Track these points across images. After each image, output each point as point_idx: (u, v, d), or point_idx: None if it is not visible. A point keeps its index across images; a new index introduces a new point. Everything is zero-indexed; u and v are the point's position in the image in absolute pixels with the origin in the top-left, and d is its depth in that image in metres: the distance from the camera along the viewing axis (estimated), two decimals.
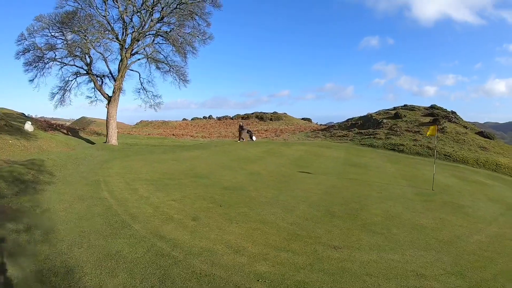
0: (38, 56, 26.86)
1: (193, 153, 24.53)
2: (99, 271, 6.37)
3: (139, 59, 29.69)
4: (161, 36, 29.42)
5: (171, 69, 30.45)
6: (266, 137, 43.34)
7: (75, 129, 35.89)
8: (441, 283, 6.78)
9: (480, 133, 35.33)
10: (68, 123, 60.60)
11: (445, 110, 41.44)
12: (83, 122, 59.92)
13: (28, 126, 23.56)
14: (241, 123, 38.17)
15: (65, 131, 31.87)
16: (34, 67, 26.97)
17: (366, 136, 37.98)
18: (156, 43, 29.93)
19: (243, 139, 35.08)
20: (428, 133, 17.51)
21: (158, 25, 29.06)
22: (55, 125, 33.29)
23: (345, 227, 9.86)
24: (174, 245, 7.78)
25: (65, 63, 28.14)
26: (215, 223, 9.57)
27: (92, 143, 27.56)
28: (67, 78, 28.83)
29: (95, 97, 29.70)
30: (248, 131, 37.09)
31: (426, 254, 8.25)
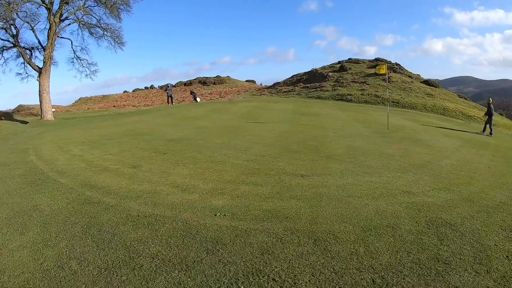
0: None
1: (135, 118, 22.43)
2: (5, 229, 4.81)
3: (69, 24, 26.56)
4: None
5: (105, 33, 27.63)
6: (211, 99, 41.42)
7: (9, 114, 31.91)
8: (433, 197, 5.95)
9: (425, 82, 35.91)
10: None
11: (389, 62, 41.62)
12: (21, 111, 54.70)
13: None
14: (167, 86, 35.49)
15: None
16: None
17: (313, 90, 37.27)
18: (87, 7, 26.63)
19: (173, 103, 33.06)
20: (380, 71, 16.83)
21: None
22: None
23: (308, 159, 8.66)
24: (106, 192, 6.23)
25: None
26: (158, 168, 7.97)
27: (28, 122, 24.47)
28: None
29: (26, 72, 26.53)
30: (192, 92, 35.26)
31: (404, 175, 7.38)
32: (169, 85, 35.61)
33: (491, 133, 18.52)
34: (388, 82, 32.22)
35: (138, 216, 5.05)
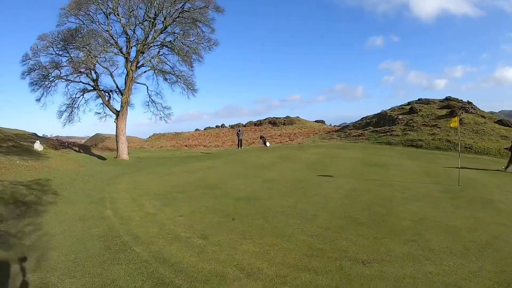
0: (43, 74, 26.53)
1: (205, 163, 23.90)
2: None
3: (145, 71, 29.31)
4: (166, 46, 28.93)
5: (179, 79, 29.93)
6: (280, 142, 42.38)
7: (87, 146, 35.49)
8: None
9: (499, 122, 33.88)
10: (83, 141, 60.47)
11: (460, 101, 40.10)
12: (97, 139, 59.72)
13: (38, 146, 22.96)
14: (239, 129, 36.99)
15: (76, 149, 31.45)
16: (40, 86, 26.71)
17: (382, 134, 36.85)
18: (161, 54, 29.48)
19: (241, 147, 34.15)
20: (451, 124, 16.61)
21: (162, 35, 28.61)
22: (66, 143, 32.94)
23: (371, 236, 8.91)
24: (178, 270, 6.93)
25: (71, 80, 27.76)
26: (226, 240, 8.69)
27: (104, 159, 27.06)
28: (74, 95, 28.49)
29: (104, 112, 29.43)
30: (262, 137, 36.41)
31: (466, 262, 7.31)
32: (240, 128, 37.11)
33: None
34: (460, 124, 31.08)
35: None
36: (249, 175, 18.65)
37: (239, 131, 35.91)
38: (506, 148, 20.79)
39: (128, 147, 28.27)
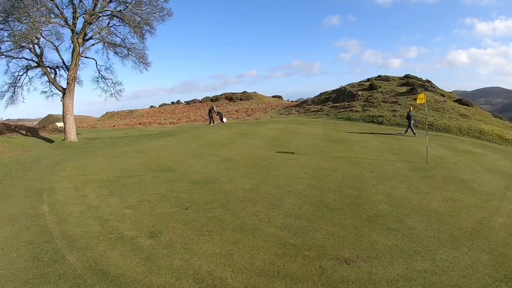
0: None
1: (159, 142, 22.12)
2: None
3: (93, 44, 26.67)
4: (116, 17, 26.21)
5: (130, 53, 27.60)
6: (238, 118, 40.97)
7: (35, 129, 32.41)
8: None
9: (459, 101, 34.23)
10: (35, 123, 56.32)
11: (420, 79, 40.31)
12: (50, 120, 55.81)
13: None
14: (212, 106, 35.99)
15: (24, 132, 28.64)
16: None
17: (342, 110, 36.25)
18: (111, 26, 26.77)
19: (214, 123, 33.01)
20: (418, 101, 15.90)
21: (112, 4, 25.81)
22: (13, 127, 29.94)
23: (349, 225, 7.78)
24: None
25: (12, 57, 24.72)
26: (179, 238, 7.18)
27: (52, 141, 24.59)
28: (16, 73, 25.62)
29: (51, 91, 26.64)
30: (218, 113, 35.01)
31: (459, 254, 6.39)
32: (213, 107, 35.85)
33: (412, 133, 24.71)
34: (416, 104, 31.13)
35: None
36: (206, 154, 17.19)
37: (213, 108, 34.57)
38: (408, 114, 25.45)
39: (79, 127, 25.81)
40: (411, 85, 37.42)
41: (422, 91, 33.66)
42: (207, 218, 8.34)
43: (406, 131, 25.47)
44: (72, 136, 24.86)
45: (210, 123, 33.25)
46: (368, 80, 43.69)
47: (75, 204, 9.60)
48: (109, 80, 28.30)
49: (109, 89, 28.26)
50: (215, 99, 64.32)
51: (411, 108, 27.15)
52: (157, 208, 9.12)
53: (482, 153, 19.11)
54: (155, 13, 26.77)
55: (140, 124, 42.49)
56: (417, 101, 16.04)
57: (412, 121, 25.16)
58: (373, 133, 25.70)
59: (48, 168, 14.81)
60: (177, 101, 72.22)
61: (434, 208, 9.01)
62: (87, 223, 8.13)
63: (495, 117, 33.25)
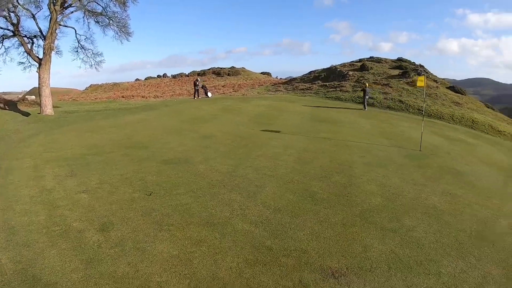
0: None
1: (138, 116, 20.64)
2: None
3: (72, 12, 24.63)
4: None
5: (111, 22, 25.73)
6: (224, 93, 39.25)
7: (14, 102, 30.38)
8: None
9: (451, 88, 33.16)
10: (20, 96, 53.78)
11: (413, 63, 38.94)
12: (35, 93, 53.28)
13: None
14: (196, 79, 34.31)
15: (2, 105, 26.73)
16: None
17: (332, 89, 34.79)
18: None
19: (199, 97, 31.50)
20: (417, 84, 14.80)
21: None
22: None
23: (338, 222, 6.62)
24: None
25: None
26: (133, 234, 5.94)
27: (29, 115, 22.87)
28: None
29: (28, 62, 24.59)
30: (203, 87, 33.42)
31: (466, 266, 5.37)
32: (198, 78, 34.29)
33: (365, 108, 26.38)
34: (412, 86, 30.16)
35: None
36: (185, 130, 15.84)
37: (197, 80, 32.95)
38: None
39: (60, 100, 23.98)
40: (404, 68, 36.11)
41: (414, 75, 32.50)
42: (171, 207, 7.10)
43: (365, 107, 26.67)
44: (48, 109, 23.18)
45: (194, 97, 31.76)
46: (360, 60, 42.17)
47: (28, 187, 8.29)
48: (89, 50, 26.47)
49: (89, 60, 26.46)
50: (202, 73, 62.23)
51: (367, 85, 28.58)
52: (117, 193, 7.87)
53: (476, 143, 18.20)
54: None
55: (123, 97, 40.37)
56: (417, 84, 14.98)
57: (367, 97, 26.77)
58: (333, 108, 26.54)
59: (13, 144, 13.43)
60: (163, 75, 70.05)
61: (433, 204, 7.97)
62: (34, 211, 6.87)
63: (488, 107, 32.42)
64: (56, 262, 5.04)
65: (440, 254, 5.65)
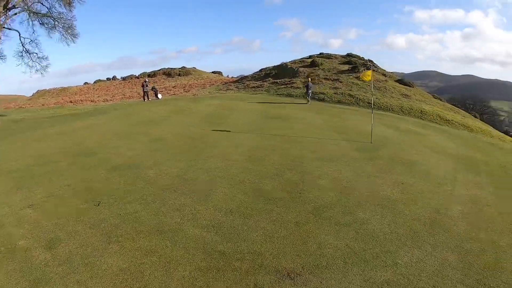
0: None
1: (88, 121, 19.53)
2: None
3: (16, 14, 23.28)
4: None
5: (57, 23, 24.59)
6: (174, 94, 38.52)
7: None
8: None
9: (400, 81, 34.41)
10: None
11: (362, 58, 40.06)
12: None
13: None
14: (145, 80, 33.27)
15: None
16: None
17: (283, 86, 34.92)
18: None
19: (149, 99, 30.58)
20: (365, 78, 15.01)
21: None
22: None
23: (291, 220, 6.43)
24: None
25: None
26: (81, 249, 5.50)
27: None
28: None
29: None
30: (153, 88, 32.50)
31: (423, 255, 5.40)
32: (146, 79, 33.29)
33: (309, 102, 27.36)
34: (362, 81, 30.90)
35: None
36: (135, 133, 15.16)
37: (145, 82, 31.87)
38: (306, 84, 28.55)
39: (6, 108, 22.32)
40: (353, 63, 36.99)
41: (363, 70, 33.29)
42: (120, 216, 6.66)
43: (309, 101, 27.65)
44: None
45: (144, 99, 30.83)
46: (310, 57, 42.74)
47: None
48: (34, 54, 25.21)
49: (34, 65, 25.29)
50: (152, 74, 60.77)
51: (309, 80, 29.83)
52: (64, 205, 7.31)
53: (425, 133, 18.70)
54: None
55: (71, 102, 38.50)
56: (364, 78, 15.17)
57: (310, 91, 27.68)
58: (284, 104, 27.05)
59: None
60: (112, 77, 67.86)
61: (386, 195, 8.01)
62: None
63: (435, 98, 33.79)
64: (3, 284, 4.64)
65: (395, 245, 5.61)
